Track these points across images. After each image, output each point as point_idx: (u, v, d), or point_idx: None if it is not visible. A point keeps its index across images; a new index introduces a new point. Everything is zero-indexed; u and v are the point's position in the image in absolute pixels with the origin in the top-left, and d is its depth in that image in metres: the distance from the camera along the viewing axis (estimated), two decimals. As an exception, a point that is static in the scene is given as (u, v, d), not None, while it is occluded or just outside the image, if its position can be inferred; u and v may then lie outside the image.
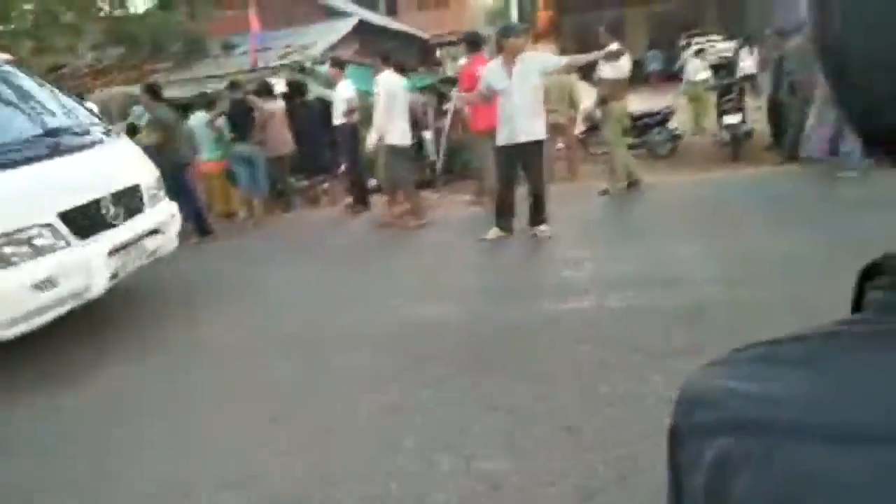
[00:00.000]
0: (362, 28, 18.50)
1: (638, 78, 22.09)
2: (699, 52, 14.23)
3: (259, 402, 3.36)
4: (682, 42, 22.37)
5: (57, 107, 4.68)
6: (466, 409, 3.05)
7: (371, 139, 6.72)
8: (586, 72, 7.84)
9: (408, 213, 7.00)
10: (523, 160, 5.68)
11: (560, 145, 8.60)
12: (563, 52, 11.75)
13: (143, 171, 4.91)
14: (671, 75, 21.53)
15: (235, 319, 4.69)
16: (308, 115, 9.06)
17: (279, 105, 8.35)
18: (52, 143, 4.11)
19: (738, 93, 9.32)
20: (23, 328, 3.66)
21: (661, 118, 9.64)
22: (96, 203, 4.16)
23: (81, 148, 4.33)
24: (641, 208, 6.68)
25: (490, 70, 5.72)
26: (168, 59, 14.21)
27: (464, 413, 3.01)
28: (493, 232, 5.86)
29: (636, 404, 2.89)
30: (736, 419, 0.40)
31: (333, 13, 19.23)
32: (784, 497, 0.36)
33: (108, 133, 4.92)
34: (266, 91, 8.31)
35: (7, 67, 4.61)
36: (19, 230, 3.60)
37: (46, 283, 3.67)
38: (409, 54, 21.23)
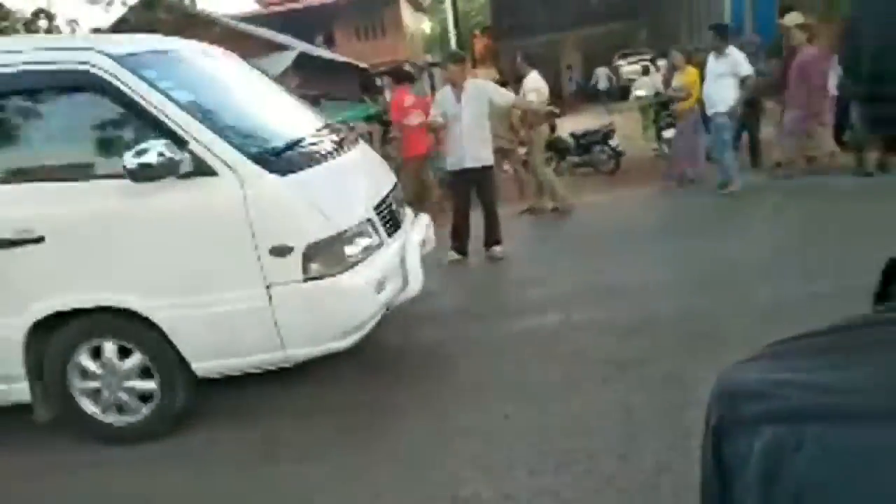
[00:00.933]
0: (302, 61, 18.51)
1: (581, 97, 22.90)
2: (646, 71, 14.76)
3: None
4: (616, 62, 23.25)
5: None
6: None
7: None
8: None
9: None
10: (475, 184, 5.78)
11: (507, 168, 8.77)
12: (500, 75, 12.06)
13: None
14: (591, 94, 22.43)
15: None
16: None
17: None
18: (337, 138, 3.74)
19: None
20: (356, 337, 3.25)
21: (603, 136, 9.89)
22: (387, 199, 3.76)
23: (351, 142, 3.94)
24: (589, 225, 6.86)
25: (442, 96, 5.83)
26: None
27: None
28: (450, 255, 5.91)
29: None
30: (786, 408, 0.42)
31: (274, 47, 19.21)
32: (838, 477, 0.38)
33: None
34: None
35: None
36: (352, 228, 3.22)
37: (381, 285, 3.28)
38: (351, 85, 21.34)
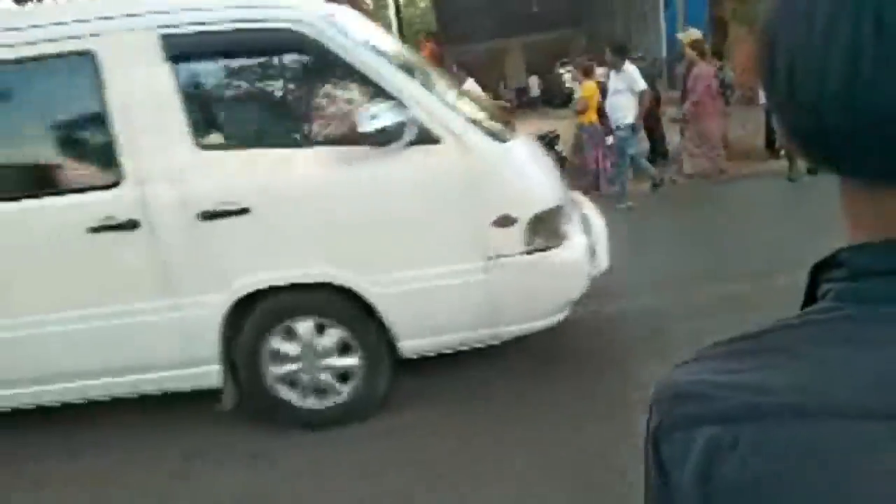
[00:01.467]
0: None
1: (523, 104, 23.48)
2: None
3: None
4: (557, 69, 24.01)
5: None
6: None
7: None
8: None
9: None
10: None
11: None
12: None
13: None
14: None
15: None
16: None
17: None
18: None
19: None
20: (565, 313, 3.12)
21: (548, 142, 9.86)
22: None
23: None
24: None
25: None
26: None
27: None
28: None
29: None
30: (723, 409, 0.43)
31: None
32: (770, 475, 0.41)
33: None
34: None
35: None
36: (563, 200, 3.14)
37: (590, 259, 3.15)
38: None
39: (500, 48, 25.45)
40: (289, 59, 2.85)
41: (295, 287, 2.90)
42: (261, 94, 2.91)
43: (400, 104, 2.78)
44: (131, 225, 2.79)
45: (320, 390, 3.06)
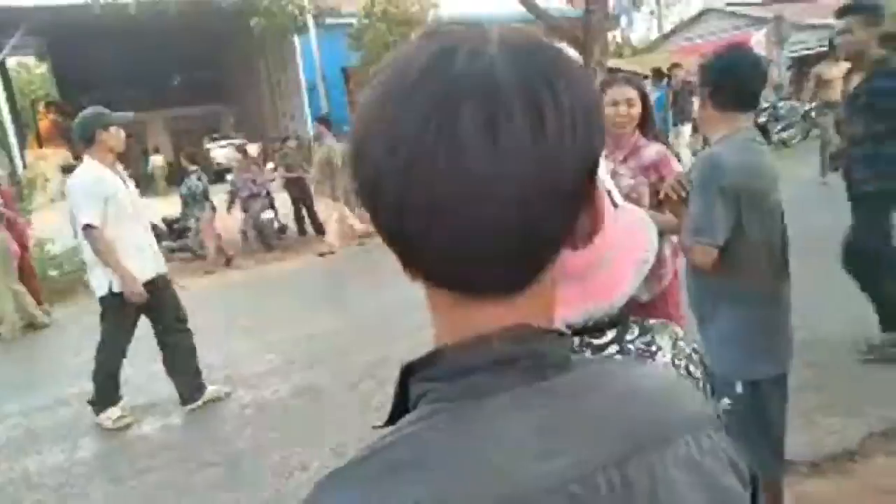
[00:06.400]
0: None
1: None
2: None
3: None
4: (207, 145, 23.37)
5: None
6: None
7: None
8: None
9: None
10: None
11: None
12: (75, 157, 11.35)
13: None
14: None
15: None
16: None
17: None
18: None
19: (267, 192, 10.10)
20: None
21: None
22: None
23: None
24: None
25: None
26: None
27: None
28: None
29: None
30: None
31: None
32: None
33: None
34: None
35: None
36: None
37: None
38: None
39: (142, 121, 23.80)
40: None
41: None
42: None
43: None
44: None
45: None
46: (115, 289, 3.81)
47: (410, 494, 0.45)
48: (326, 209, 8.95)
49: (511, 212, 0.45)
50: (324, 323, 5.61)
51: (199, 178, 8.84)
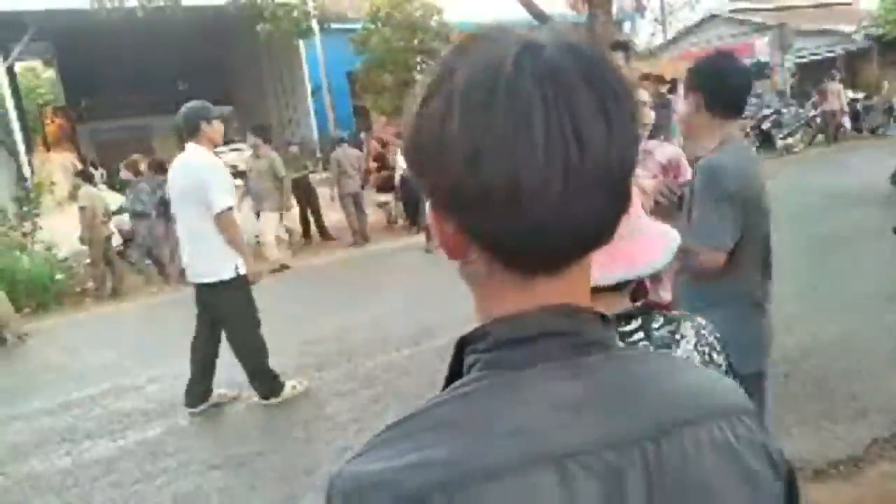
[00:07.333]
0: None
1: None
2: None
3: None
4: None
5: None
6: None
7: None
8: None
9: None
10: None
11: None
12: (82, 162, 11.47)
13: None
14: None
15: None
16: None
17: None
18: None
19: None
20: None
21: None
22: None
23: None
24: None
25: None
26: None
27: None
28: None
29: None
30: (408, 491, 0.47)
31: None
32: None
33: None
34: None
35: None
36: None
37: None
38: None
39: (149, 126, 23.89)
40: None
41: None
42: None
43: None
44: None
45: None
46: (242, 270, 3.96)
47: (442, 450, 0.48)
48: (268, 223, 8.60)
49: (605, 194, 0.51)
50: (330, 325, 5.62)
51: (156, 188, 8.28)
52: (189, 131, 3.94)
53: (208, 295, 4.01)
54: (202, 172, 3.86)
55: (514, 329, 0.53)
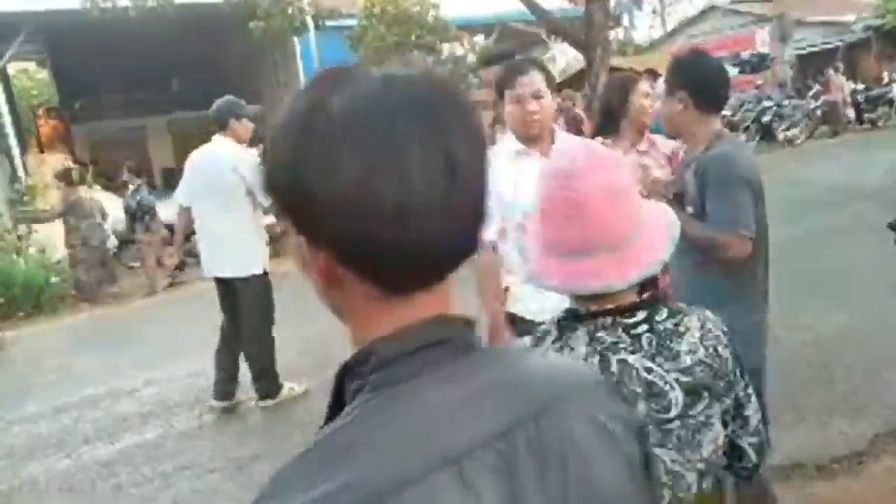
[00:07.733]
0: None
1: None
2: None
3: None
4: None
5: None
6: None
7: None
8: None
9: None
10: None
11: None
12: (76, 163, 11.51)
13: None
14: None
15: None
16: None
17: None
18: None
19: None
20: None
21: None
22: None
23: None
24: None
25: None
26: None
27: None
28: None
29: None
30: None
31: None
32: None
33: None
34: None
35: None
36: None
37: None
38: None
39: (143, 126, 23.78)
40: None
41: None
42: None
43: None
44: None
45: None
46: (267, 268, 4.04)
47: (340, 479, 0.48)
48: (146, 247, 8.23)
49: (474, 212, 0.56)
50: (330, 325, 5.56)
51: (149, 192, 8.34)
52: (218, 126, 3.94)
53: (241, 288, 3.97)
54: (240, 167, 3.79)
55: (399, 344, 0.55)
